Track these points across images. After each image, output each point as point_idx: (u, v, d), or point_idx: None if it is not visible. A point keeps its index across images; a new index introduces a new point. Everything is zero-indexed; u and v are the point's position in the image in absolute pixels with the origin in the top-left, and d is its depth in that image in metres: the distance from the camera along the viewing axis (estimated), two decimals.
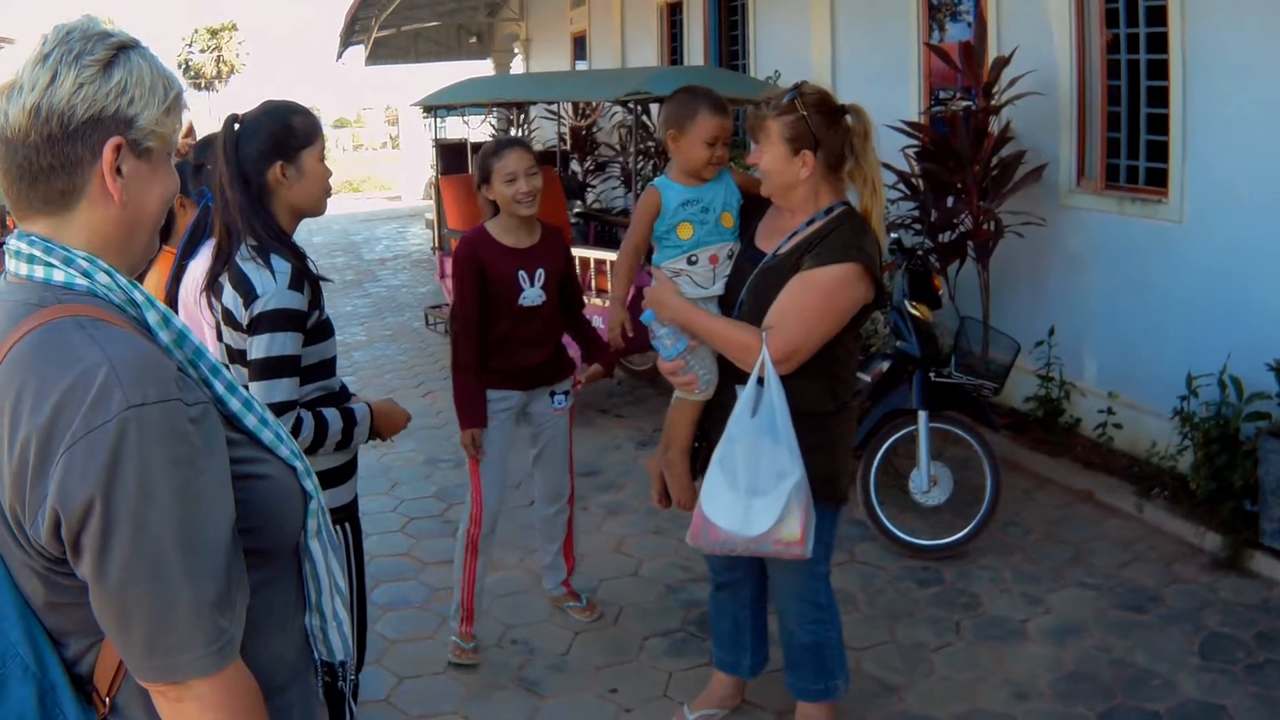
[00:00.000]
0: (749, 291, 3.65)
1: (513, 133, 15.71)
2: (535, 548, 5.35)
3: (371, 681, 4.67)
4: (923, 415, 5.76)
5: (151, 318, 1.65)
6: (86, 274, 1.63)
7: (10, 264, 1.66)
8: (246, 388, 3.19)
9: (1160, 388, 6.27)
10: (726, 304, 3.76)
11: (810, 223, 3.59)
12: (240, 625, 1.59)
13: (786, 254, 3.59)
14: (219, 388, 1.71)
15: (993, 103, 7.02)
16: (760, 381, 3.48)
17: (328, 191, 3.44)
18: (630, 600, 5.32)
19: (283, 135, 3.30)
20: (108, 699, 1.63)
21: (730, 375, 3.66)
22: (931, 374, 5.84)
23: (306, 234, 21.88)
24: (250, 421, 1.74)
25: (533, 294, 4.74)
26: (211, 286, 3.38)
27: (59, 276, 1.62)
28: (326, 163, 3.44)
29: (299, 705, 1.84)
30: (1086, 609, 5.06)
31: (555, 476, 5.09)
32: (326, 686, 1.97)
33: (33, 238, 1.64)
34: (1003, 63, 7.00)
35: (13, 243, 1.66)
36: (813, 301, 3.50)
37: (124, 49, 1.64)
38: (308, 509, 1.82)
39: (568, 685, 4.65)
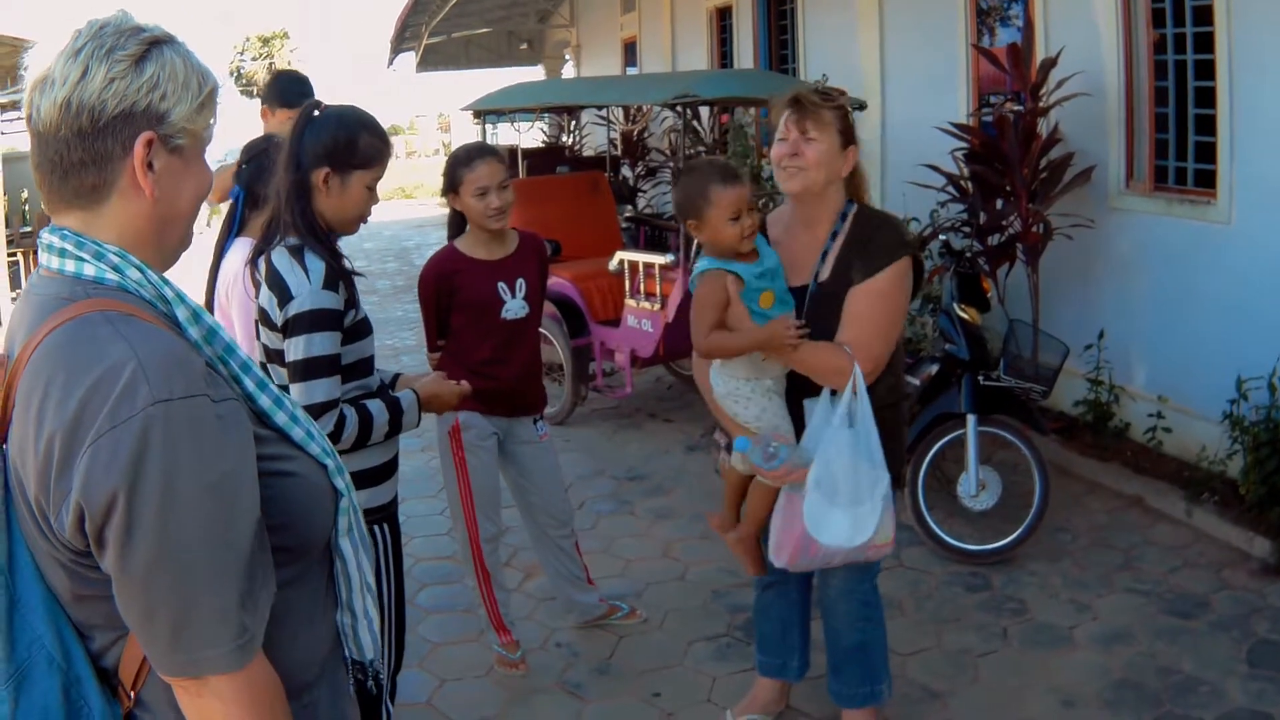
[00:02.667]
0: (808, 319, 3.58)
1: (564, 139, 15.78)
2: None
3: (413, 684, 4.68)
4: (971, 419, 5.71)
5: (181, 314, 1.66)
6: (117, 269, 1.63)
7: (43, 257, 1.68)
8: (286, 388, 3.24)
9: (1210, 391, 6.20)
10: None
11: (834, 235, 3.58)
12: (263, 622, 1.59)
13: (832, 277, 3.56)
14: (249, 384, 1.72)
15: (1040, 104, 6.97)
16: (854, 394, 3.44)
17: (363, 218, 3.44)
18: (676, 605, 5.32)
19: (344, 147, 3.30)
20: (133, 693, 1.64)
21: (797, 390, 3.62)
22: (980, 377, 5.79)
23: (358, 239, 22.03)
24: (280, 419, 1.75)
25: (515, 306, 4.65)
26: (255, 261, 3.40)
27: (89, 271, 1.63)
28: (376, 191, 3.42)
29: (326, 702, 1.85)
30: (1134, 615, 5.01)
31: (557, 500, 4.97)
32: (358, 684, 1.98)
33: (64, 231, 1.65)
34: (1050, 64, 6.95)
35: (45, 236, 1.67)
36: (882, 309, 3.51)
37: (157, 44, 1.64)
38: (338, 507, 1.84)
39: (611, 689, 4.66)
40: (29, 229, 18.60)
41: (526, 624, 5.16)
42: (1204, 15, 6.36)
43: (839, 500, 3.43)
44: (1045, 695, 4.44)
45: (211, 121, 1.72)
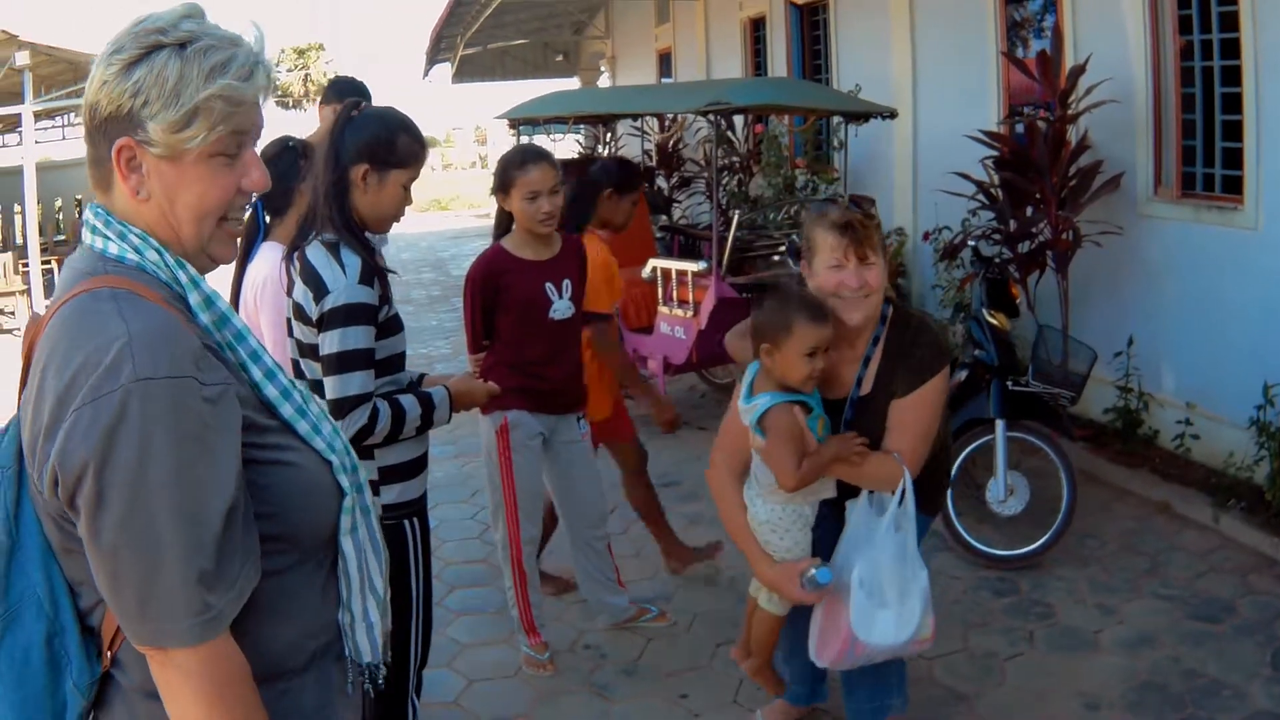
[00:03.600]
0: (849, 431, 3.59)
1: (599, 149, 15.84)
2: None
3: (441, 684, 4.75)
4: (1000, 424, 5.73)
5: (193, 298, 1.72)
6: (137, 250, 1.71)
7: (84, 233, 1.77)
8: (320, 383, 3.30)
9: (1238, 397, 6.19)
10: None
11: (875, 341, 3.54)
12: (235, 603, 1.62)
13: (875, 389, 3.54)
14: (256, 373, 1.76)
15: (1069, 111, 7.00)
16: (900, 501, 3.43)
17: (397, 217, 3.49)
18: (704, 608, 5.36)
19: (383, 145, 3.35)
20: (109, 653, 1.70)
21: (840, 492, 3.61)
22: (1009, 383, 5.81)
23: (395, 249, 22.20)
24: (286, 410, 1.78)
25: (562, 306, 4.67)
26: (289, 257, 3.44)
27: (113, 249, 1.71)
28: (411, 192, 3.46)
29: (311, 694, 1.85)
30: (1160, 620, 5.03)
31: (595, 499, 5.02)
32: (372, 687, 2.00)
33: (99, 209, 1.74)
34: (1079, 71, 6.97)
35: (86, 213, 1.77)
36: (929, 416, 3.50)
37: (160, 48, 1.67)
38: (341, 505, 1.85)
39: (638, 690, 4.71)
40: (63, 237, 18.81)
41: (556, 626, 5.20)
42: (1230, 21, 6.37)
43: (886, 601, 3.41)
44: (1070, 698, 4.46)
45: (199, 136, 1.69)
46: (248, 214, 4.26)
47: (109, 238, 1.72)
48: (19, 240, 17.64)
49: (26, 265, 15.53)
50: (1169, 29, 6.92)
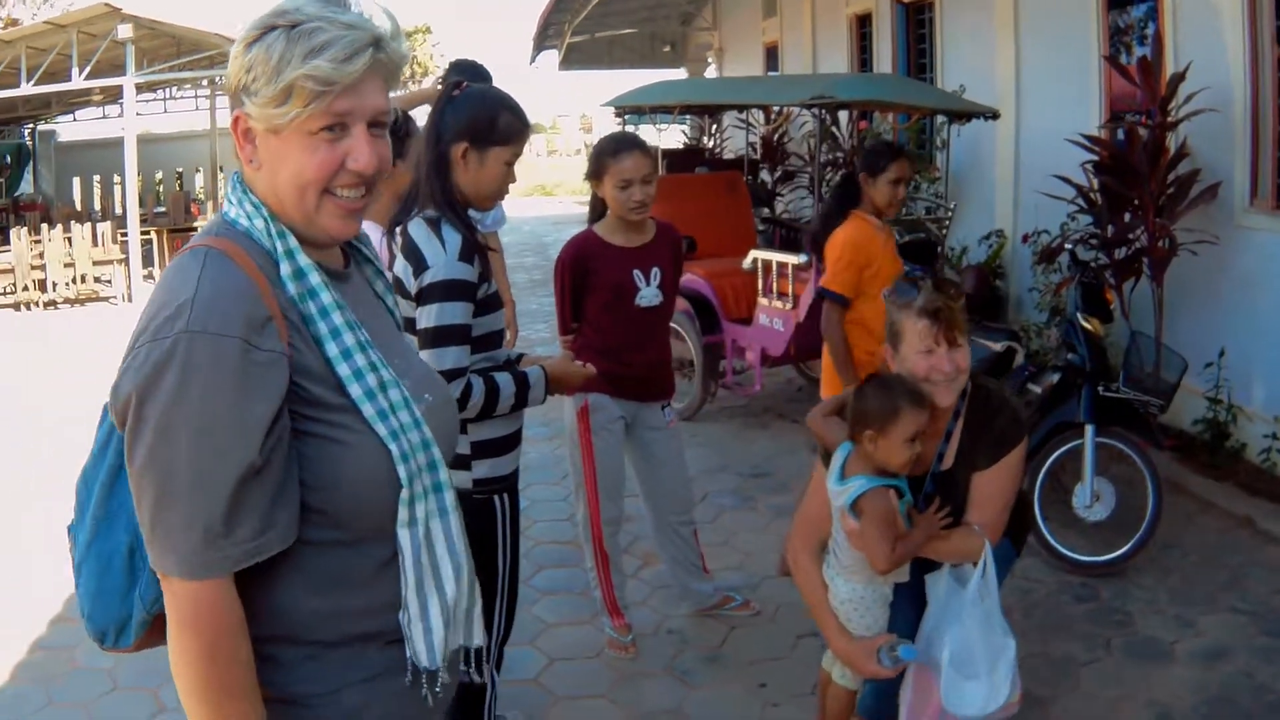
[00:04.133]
0: (926, 505, 3.60)
1: (705, 141, 15.91)
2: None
3: (523, 662, 4.86)
4: (1090, 429, 5.74)
5: (284, 268, 1.81)
6: (249, 216, 1.84)
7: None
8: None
9: None
10: None
11: (956, 415, 3.56)
12: (243, 557, 1.69)
13: (957, 463, 3.58)
14: (332, 349, 1.81)
15: (1169, 118, 6.97)
16: (984, 573, 3.46)
17: (501, 194, 3.55)
18: (789, 599, 5.36)
19: (484, 123, 3.42)
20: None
21: (918, 566, 3.63)
22: (1100, 388, 5.82)
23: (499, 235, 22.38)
24: (354, 390, 1.81)
25: (650, 294, 4.69)
26: (392, 233, 3.51)
27: (233, 213, 1.86)
28: (514, 170, 3.52)
29: (341, 671, 1.87)
30: (1236, 634, 5.03)
31: (679, 486, 5.07)
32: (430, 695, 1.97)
33: (235, 175, 1.89)
34: (1178, 79, 6.94)
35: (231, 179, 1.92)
36: (1009, 487, 3.54)
37: (274, 29, 1.77)
38: (400, 497, 1.85)
39: (718, 677, 4.78)
40: (162, 209, 19.19)
41: (640, 610, 5.31)
42: None
43: (976, 672, 3.41)
44: (1142, 708, 4.48)
45: (292, 112, 1.76)
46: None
47: (232, 202, 1.86)
48: (118, 210, 18.02)
49: (125, 235, 15.87)
50: (1267, 39, 6.88)
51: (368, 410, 1.81)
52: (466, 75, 5.08)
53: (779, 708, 4.55)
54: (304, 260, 1.83)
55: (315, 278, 1.83)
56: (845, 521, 3.45)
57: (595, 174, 4.65)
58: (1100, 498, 5.79)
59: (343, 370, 1.81)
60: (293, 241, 1.83)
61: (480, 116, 3.43)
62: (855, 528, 3.41)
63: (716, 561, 5.53)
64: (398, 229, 3.51)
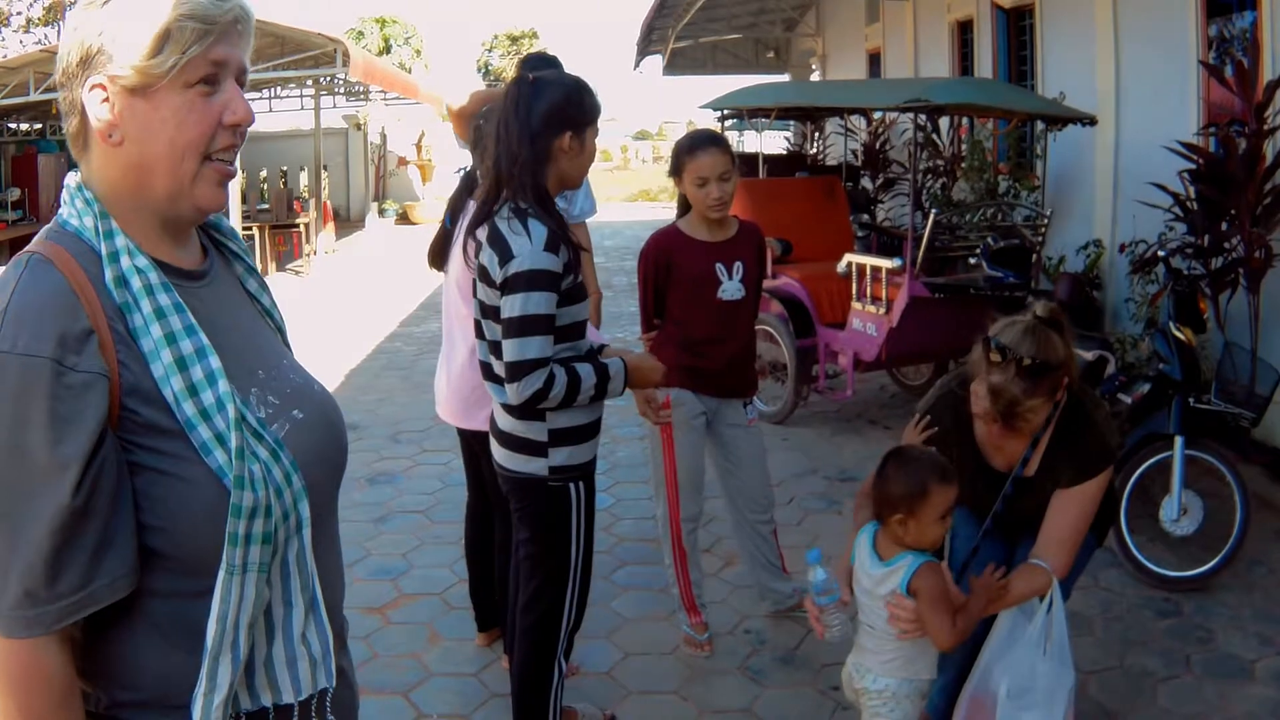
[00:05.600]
0: (1006, 506, 3.62)
1: (807, 147, 15.90)
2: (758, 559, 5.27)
3: (598, 654, 4.91)
4: (1179, 441, 5.64)
5: (108, 274, 1.58)
6: (79, 214, 1.63)
7: None
8: (499, 344, 3.44)
9: None
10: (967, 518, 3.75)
11: (1048, 422, 3.50)
12: (65, 613, 1.50)
13: (1040, 472, 3.55)
14: (166, 358, 1.58)
15: (1265, 126, 6.84)
16: (1049, 610, 3.44)
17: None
18: None
19: (577, 108, 3.50)
20: None
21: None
22: (1191, 399, 5.73)
23: (599, 237, 22.53)
24: (188, 409, 1.58)
25: (732, 287, 4.73)
26: (473, 233, 3.57)
27: (65, 213, 1.65)
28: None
29: None
30: None
31: (760, 484, 5.07)
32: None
33: (73, 172, 1.69)
34: (1275, 85, 6.80)
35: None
36: (1085, 512, 3.51)
37: None
38: (232, 534, 1.59)
39: (791, 679, 4.78)
40: (265, 206, 19.52)
41: (719, 609, 5.32)
42: None
43: (1034, 705, 3.37)
44: None
45: (171, 60, 1.60)
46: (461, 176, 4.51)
47: (66, 202, 1.67)
48: None
49: None
50: None
51: (200, 436, 1.57)
52: (537, 66, 5.19)
53: (849, 711, 4.50)
54: (140, 260, 1.61)
55: (154, 277, 1.61)
56: (899, 607, 3.24)
57: (675, 171, 4.73)
58: (1188, 511, 5.69)
59: (175, 386, 1.57)
60: (121, 241, 1.61)
61: (572, 102, 3.51)
62: (908, 615, 3.22)
63: (798, 564, 5.50)
64: (484, 219, 3.55)
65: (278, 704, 1.71)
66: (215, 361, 1.60)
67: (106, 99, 1.61)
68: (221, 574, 1.57)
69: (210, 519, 1.57)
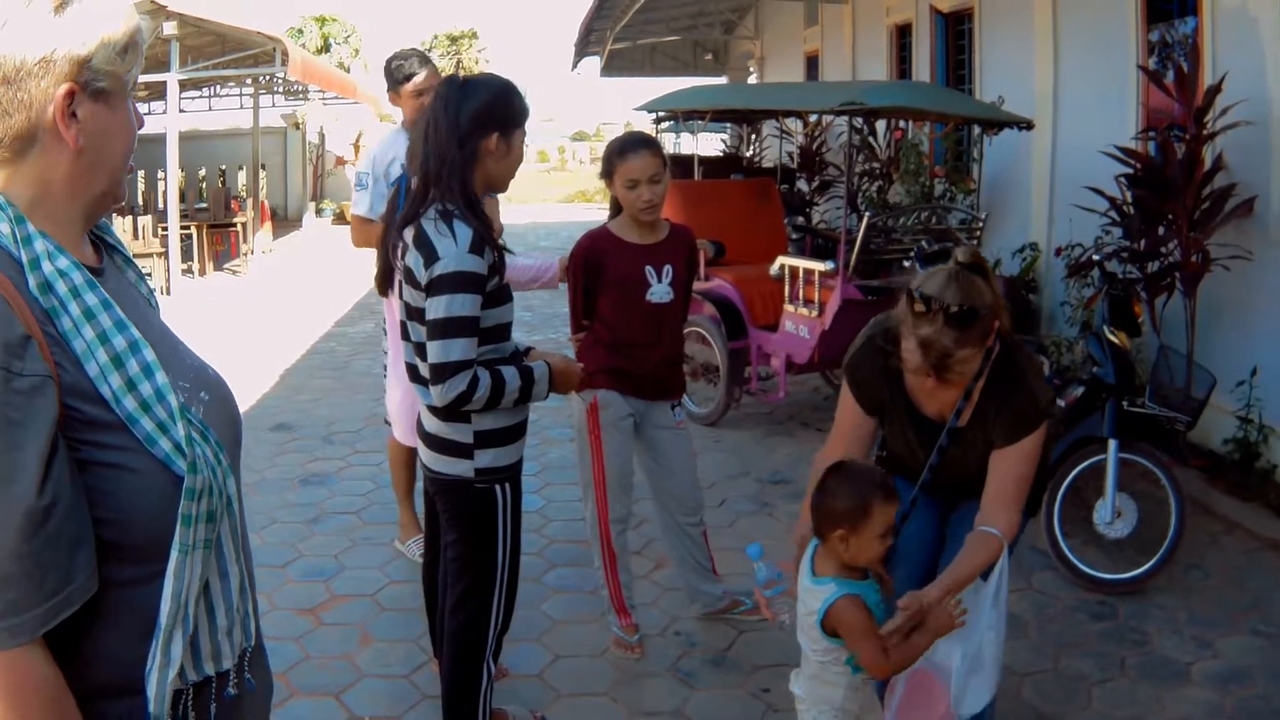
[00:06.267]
0: (940, 457, 3.58)
1: (743, 150, 15.89)
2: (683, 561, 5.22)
3: (528, 657, 4.87)
4: (1113, 444, 5.64)
5: (31, 281, 1.56)
6: None
7: None
8: (424, 346, 3.39)
9: None
10: (903, 467, 3.71)
11: (979, 375, 3.43)
12: (50, 615, 1.50)
13: (972, 424, 3.50)
14: (101, 357, 1.58)
15: (1205, 131, 6.86)
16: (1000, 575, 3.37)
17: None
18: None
19: (505, 110, 3.50)
20: None
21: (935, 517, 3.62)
22: (1125, 403, 5.72)
23: (534, 237, 22.55)
24: (129, 404, 1.59)
25: (661, 290, 4.72)
26: (400, 230, 3.57)
27: None
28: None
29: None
30: (1255, 657, 4.92)
31: (689, 486, 5.04)
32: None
33: None
34: (1214, 91, 6.83)
35: None
36: (1026, 469, 3.45)
37: None
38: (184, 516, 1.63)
39: (722, 680, 4.74)
40: (204, 205, 19.41)
41: (649, 610, 5.28)
42: None
43: (982, 669, 3.33)
44: None
45: (132, 68, 1.67)
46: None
47: None
48: (160, 205, 18.23)
49: (166, 229, 16.05)
50: None
51: (143, 428, 1.60)
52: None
53: (780, 713, 4.49)
54: (61, 262, 1.60)
55: (77, 278, 1.60)
56: (816, 638, 3.19)
57: (606, 173, 4.71)
58: (1122, 514, 5.68)
59: (113, 383, 1.58)
60: (40, 245, 1.58)
61: (500, 103, 3.51)
62: (824, 645, 3.17)
63: (730, 566, 5.46)
64: (410, 222, 3.54)
65: (219, 670, 1.78)
66: (150, 354, 1.62)
67: (74, 103, 1.61)
68: (175, 554, 1.62)
69: (161, 505, 1.61)
